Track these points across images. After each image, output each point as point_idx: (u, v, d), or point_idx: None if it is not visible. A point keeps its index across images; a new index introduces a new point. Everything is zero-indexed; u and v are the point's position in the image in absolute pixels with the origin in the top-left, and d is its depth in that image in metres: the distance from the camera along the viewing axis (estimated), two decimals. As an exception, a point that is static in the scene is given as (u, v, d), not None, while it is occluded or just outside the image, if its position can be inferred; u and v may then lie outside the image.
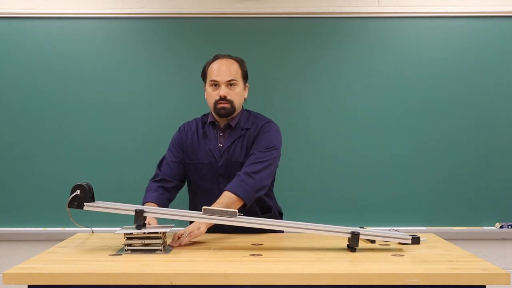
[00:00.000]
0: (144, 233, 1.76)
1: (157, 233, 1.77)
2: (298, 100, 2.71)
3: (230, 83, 2.13)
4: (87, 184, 1.83)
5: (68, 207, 1.82)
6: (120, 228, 1.82)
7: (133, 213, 1.80)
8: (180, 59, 2.70)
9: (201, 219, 1.85)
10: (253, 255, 1.73)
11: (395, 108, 2.70)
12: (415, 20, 2.71)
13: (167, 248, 1.81)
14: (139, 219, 1.79)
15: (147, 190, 2.16)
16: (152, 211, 1.85)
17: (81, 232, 2.21)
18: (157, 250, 1.76)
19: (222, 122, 2.19)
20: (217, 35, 2.70)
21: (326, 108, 2.71)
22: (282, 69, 2.71)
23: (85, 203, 1.82)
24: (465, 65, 2.70)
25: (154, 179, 2.20)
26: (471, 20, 2.70)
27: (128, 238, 1.76)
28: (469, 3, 2.70)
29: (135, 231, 1.76)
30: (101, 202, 1.85)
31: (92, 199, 1.84)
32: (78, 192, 1.81)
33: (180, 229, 1.92)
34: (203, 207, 1.83)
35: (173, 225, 1.88)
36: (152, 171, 2.24)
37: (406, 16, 2.70)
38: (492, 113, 2.69)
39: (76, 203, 1.82)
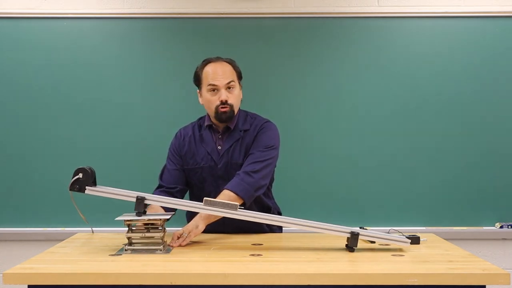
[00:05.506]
0: (144, 219, 1.76)
1: (157, 226, 1.77)
2: (298, 100, 2.71)
3: (228, 86, 2.10)
4: (89, 168, 1.81)
5: (70, 190, 1.80)
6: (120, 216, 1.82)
7: (134, 199, 1.79)
8: (179, 59, 2.70)
9: (202, 210, 1.85)
10: (253, 255, 1.73)
11: (395, 108, 2.70)
12: (415, 20, 2.71)
13: (167, 248, 1.81)
14: (140, 206, 1.78)
15: None
16: (154, 199, 1.84)
17: (81, 232, 2.22)
18: (157, 250, 1.76)
19: (221, 125, 2.18)
20: (217, 35, 2.70)
21: (326, 108, 2.71)
22: (281, 69, 2.71)
23: (87, 187, 1.80)
24: (465, 65, 2.69)
25: (157, 189, 2.18)
26: (471, 20, 2.70)
27: (129, 230, 1.77)
28: (469, 3, 2.70)
29: (135, 218, 1.76)
30: (103, 187, 1.83)
31: (94, 183, 1.82)
32: (80, 175, 1.79)
33: (178, 229, 1.93)
34: (204, 198, 1.83)
35: (174, 212, 1.88)
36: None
37: (406, 16, 2.70)
38: (492, 113, 2.69)
39: (78, 186, 1.79)
